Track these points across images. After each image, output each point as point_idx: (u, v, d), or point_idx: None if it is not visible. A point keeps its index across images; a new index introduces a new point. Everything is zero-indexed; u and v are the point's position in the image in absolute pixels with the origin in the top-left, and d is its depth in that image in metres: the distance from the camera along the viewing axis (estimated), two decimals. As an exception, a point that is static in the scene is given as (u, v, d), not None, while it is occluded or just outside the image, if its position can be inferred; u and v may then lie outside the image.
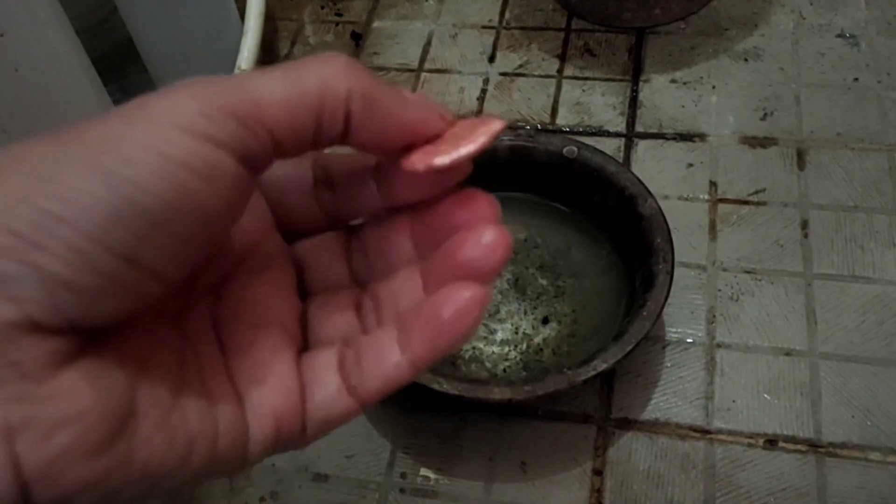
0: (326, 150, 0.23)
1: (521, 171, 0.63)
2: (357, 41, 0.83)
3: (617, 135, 0.72)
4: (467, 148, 0.23)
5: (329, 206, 0.25)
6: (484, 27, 0.82)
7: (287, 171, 0.25)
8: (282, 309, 0.25)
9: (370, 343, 0.24)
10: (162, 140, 0.18)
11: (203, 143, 0.19)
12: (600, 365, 0.51)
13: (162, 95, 0.19)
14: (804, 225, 0.64)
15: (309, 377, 0.24)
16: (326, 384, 0.23)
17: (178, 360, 0.22)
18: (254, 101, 0.20)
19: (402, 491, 0.55)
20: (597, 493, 0.54)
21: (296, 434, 0.23)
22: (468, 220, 0.24)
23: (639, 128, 0.72)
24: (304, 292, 0.26)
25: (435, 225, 0.24)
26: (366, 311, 0.25)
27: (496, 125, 0.24)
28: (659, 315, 0.53)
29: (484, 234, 0.23)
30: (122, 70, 0.74)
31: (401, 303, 0.25)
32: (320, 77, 0.21)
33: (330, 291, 0.26)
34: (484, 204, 0.24)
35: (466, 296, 0.22)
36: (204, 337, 0.23)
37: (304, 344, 0.25)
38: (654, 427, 0.56)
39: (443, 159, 0.22)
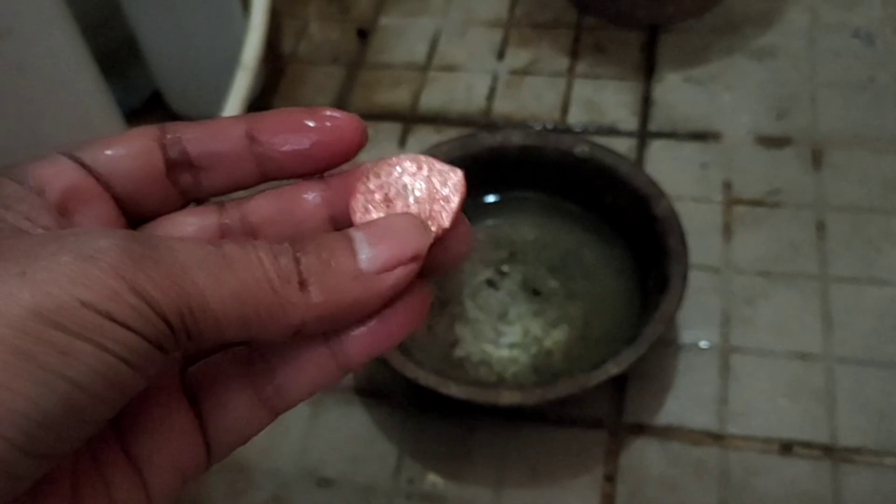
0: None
1: (531, 171, 0.62)
2: (363, 38, 0.82)
3: (629, 134, 0.71)
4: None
5: (190, 188, 0.23)
6: (493, 24, 0.81)
7: (132, 164, 0.22)
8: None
9: (285, 345, 0.21)
10: (97, 329, 0.16)
11: (136, 337, 0.17)
12: (612, 369, 0.50)
13: (88, 260, 0.17)
14: (820, 227, 0.63)
15: (208, 399, 0.21)
16: (233, 405, 0.21)
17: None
18: (192, 305, 0.18)
19: (409, 496, 0.54)
20: (608, 500, 0.53)
21: (202, 467, 0.21)
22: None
23: (652, 127, 0.71)
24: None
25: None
26: None
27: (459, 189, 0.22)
28: (672, 318, 0.52)
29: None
30: (124, 69, 0.74)
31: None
32: (260, 269, 0.19)
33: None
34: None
35: (416, 294, 0.21)
36: None
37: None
38: (667, 432, 0.55)
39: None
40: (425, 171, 0.22)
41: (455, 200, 0.21)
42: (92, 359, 0.16)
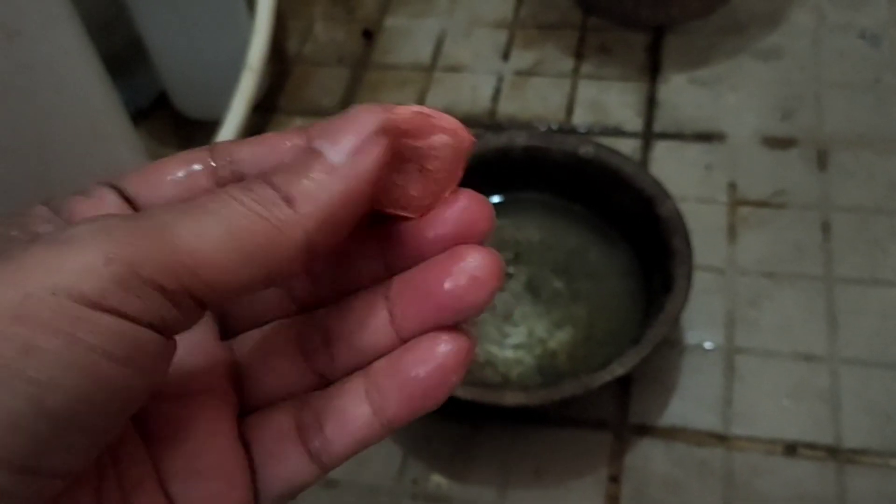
0: None
1: (536, 171, 0.62)
2: (368, 39, 0.82)
3: (634, 135, 0.71)
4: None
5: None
6: (498, 25, 0.81)
7: (173, 191, 0.20)
8: (212, 377, 0.21)
9: (331, 399, 0.20)
10: (68, 318, 0.15)
11: (120, 321, 0.15)
12: (617, 369, 0.50)
13: (60, 244, 0.15)
14: (825, 227, 0.63)
15: (260, 449, 0.21)
16: (284, 456, 0.20)
17: (93, 477, 0.18)
18: (183, 259, 0.16)
19: (413, 497, 0.54)
20: (613, 501, 0.53)
21: None
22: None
23: (656, 128, 0.71)
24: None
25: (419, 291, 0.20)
26: (313, 346, 0.21)
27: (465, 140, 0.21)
28: (677, 319, 0.52)
29: (467, 258, 0.19)
30: (130, 70, 0.74)
31: (357, 340, 0.21)
32: (259, 215, 0.17)
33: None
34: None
35: (445, 350, 0.19)
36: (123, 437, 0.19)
37: (242, 398, 0.21)
38: (672, 433, 0.55)
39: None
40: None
41: (435, 112, 0.20)
42: (60, 353, 0.15)
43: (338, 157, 0.18)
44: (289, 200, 0.18)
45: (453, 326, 0.19)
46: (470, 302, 0.19)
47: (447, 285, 0.19)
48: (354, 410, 0.20)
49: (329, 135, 0.19)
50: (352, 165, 0.18)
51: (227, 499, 0.20)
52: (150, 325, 0.16)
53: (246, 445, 0.21)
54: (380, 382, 0.20)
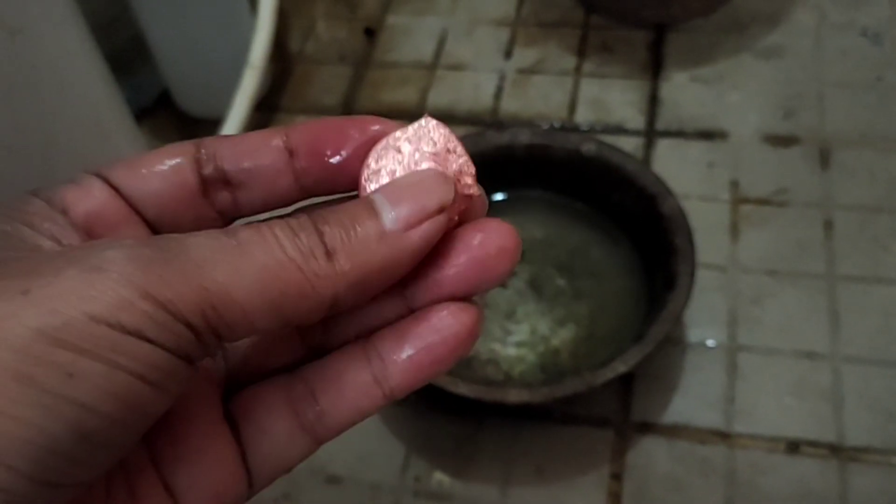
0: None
1: (538, 169, 0.62)
2: (370, 37, 0.82)
3: (636, 133, 0.71)
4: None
5: (228, 207, 0.21)
6: (500, 23, 0.81)
7: (161, 184, 0.20)
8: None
9: (326, 369, 0.20)
10: (109, 344, 0.15)
11: (156, 349, 0.16)
12: (619, 367, 0.50)
13: (94, 272, 0.16)
14: (827, 225, 0.63)
15: (249, 426, 0.20)
16: (273, 431, 0.20)
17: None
18: (213, 301, 0.16)
19: (416, 494, 0.54)
20: (614, 498, 0.53)
21: (242, 496, 0.20)
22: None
23: (659, 126, 0.71)
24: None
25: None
26: None
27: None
28: (679, 317, 0.52)
29: (490, 224, 0.20)
30: (133, 68, 0.74)
31: (362, 311, 0.21)
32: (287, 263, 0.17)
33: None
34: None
35: (460, 318, 0.19)
36: None
37: (228, 375, 0.21)
38: (674, 431, 0.55)
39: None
40: (408, 147, 0.20)
41: (459, 147, 0.20)
42: (101, 379, 0.15)
43: (391, 223, 0.18)
44: (329, 253, 0.18)
45: (465, 299, 0.20)
46: (494, 275, 0.20)
47: (453, 267, 0.19)
48: (354, 379, 0.20)
49: (391, 191, 0.19)
50: (402, 237, 0.18)
51: (216, 482, 0.20)
52: (179, 355, 0.16)
53: (234, 424, 0.20)
54: (383, 350, 0.20)
